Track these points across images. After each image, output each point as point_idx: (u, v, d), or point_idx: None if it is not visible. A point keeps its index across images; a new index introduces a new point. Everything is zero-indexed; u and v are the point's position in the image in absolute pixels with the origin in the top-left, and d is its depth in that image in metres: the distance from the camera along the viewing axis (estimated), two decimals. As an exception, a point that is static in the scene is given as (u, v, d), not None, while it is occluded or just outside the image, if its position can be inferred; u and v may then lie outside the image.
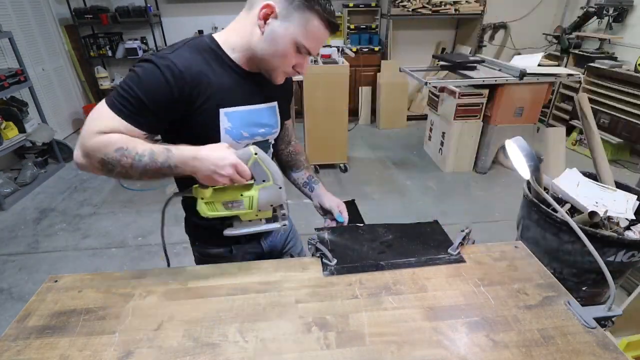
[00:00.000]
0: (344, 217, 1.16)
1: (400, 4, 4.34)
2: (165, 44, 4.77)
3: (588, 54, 4.14)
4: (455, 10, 4.38)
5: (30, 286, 2.24)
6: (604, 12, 3.94)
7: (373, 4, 4.66)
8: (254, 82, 0.89)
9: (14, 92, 3.25)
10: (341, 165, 3.63)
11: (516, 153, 0.86)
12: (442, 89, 3.46)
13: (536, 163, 0.83)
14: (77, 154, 0.76)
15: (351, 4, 4.63)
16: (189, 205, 1.00)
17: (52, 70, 4.23)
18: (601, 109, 3.76)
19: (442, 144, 3.60)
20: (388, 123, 4.69)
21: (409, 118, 4.84)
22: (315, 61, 3.26)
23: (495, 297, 0.82)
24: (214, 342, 0.72)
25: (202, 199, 0.82)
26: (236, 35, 0.84)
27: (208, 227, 0.96)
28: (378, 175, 3.56)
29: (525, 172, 0.87)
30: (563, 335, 0.72)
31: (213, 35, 0.86)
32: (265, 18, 0.78)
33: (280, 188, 0.85)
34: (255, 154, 0.80)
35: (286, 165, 1.21)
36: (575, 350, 0.69)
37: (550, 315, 0.77)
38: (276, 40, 0.79)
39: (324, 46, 3.64)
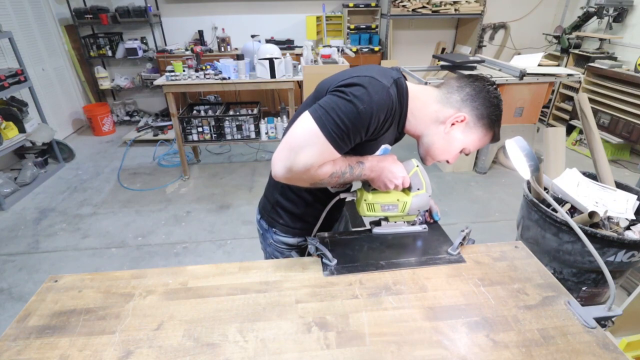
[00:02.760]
0: (439, 216, 1.17)
1: (400, 4, 4.34)
2: (165, 44, 4.77)
3: (588, 54, 4.14)
4: (455, 10, 4.38)
5: (30, 286, 2.24)
6: (604, 12, 3.94)
7: (373, 4, 4.66)
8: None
9: (14, 92, 3.25)
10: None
11: (516, 153, 0.86)
12: (442, 89, 3.46)
13: (536, 163, 0.83)
14: (282, 173, 0.79)
15: (351, 4, 4.63)
16: (291, 195, 1.05)
17: (52, 70, 4.23)
18: (601, 109, 3.76)
19: (442, 144, 3.59)
20: (388, 123, 4.69)
21: (409, 118, 4.83)
22: (315, 61, 3.26)
23: (495, 297, 0.82)
24: (214, 342, 0.72)
25: (365, 200, 0.95)
26: (421, 114, 0.90)
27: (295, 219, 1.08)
28: (378, 175, 3.56)
29: (525, 172, 0.87)
30: (563, 335, 0.72)
31: (408, 86, 0.88)
32: (454, 124, 0.88)
33: (429, 196, 0.97)
34: (417, 165, 0.95)
35: None
36: (575, 350, 0.69)
37: (550, 315, 0.77)
38: (453, 142, 0.90)
39: (324, 46, 3.64)
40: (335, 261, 0.93)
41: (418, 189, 0.96)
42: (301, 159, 0.76)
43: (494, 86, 0.88)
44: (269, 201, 1.11)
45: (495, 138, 0.92)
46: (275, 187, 1.08)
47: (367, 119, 0.76)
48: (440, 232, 1.06)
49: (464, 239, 0.97)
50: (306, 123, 0.76)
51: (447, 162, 0.95)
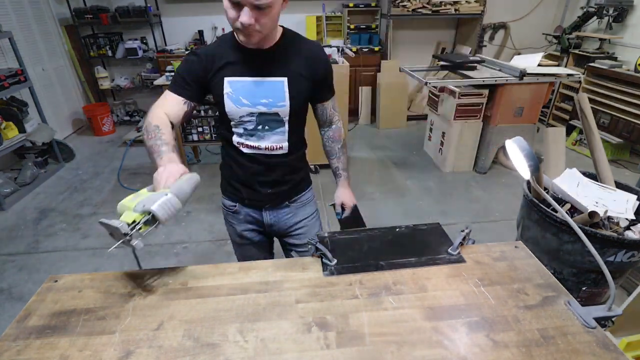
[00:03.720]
0: (343, 215, 1.30)
1: (400, 4, 4.34)
2: (165, 44, 4.77)
3: (588, 54, 4.14)
4: (455, 10, 4.38)
5: (30, 286, 2.24)
6: (604, 12, 3.94)
7: (373, 4, 4.66)
8: (264, 59, 1.03)
9: (14, 92, 3.25)
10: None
11: (516, 153, 0.86)
12: (442, 89, 3.46)
13: (536, 163, 0.83)
14: (146, 118, 1.07)
15: (351, 4, 4.63)
16: (222, 165, 1.25)
17: (52, 70, 4.23)
18: (601, 109, 3.76)
19: (442, 144, 3.60)
20: (388, 123, 4.69)
21: (409, 118, 4.84)
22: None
23: (495, 297, 0.82)
24: (214, 342, 0.72)
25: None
26: None
27: (224, 180, 1.25)
28: (378, 175, 3.56)
29: (525, 172, 0.87)
30: (563, 335, 0.72)
31: None
32: None
33: (167, 195, 0.81)
34: (167, 194, 0.83)
35: (324, 149, 1.32)
36: (575, 350, 0.69)
37: (550, 315, 0.77)
38: (224, 1, 0.91)
39: (324, 46, 3.63)
40: (335, 261, 0.93)
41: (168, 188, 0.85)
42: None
43: None
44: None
45: None
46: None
47: (186, 64, 1.06)
48: (441, 232, 1.06)
49: (464, 239, 0.97)
50: None
51: (241, 23, 0.90)
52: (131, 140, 4.28)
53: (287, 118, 1.10)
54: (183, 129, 3.29)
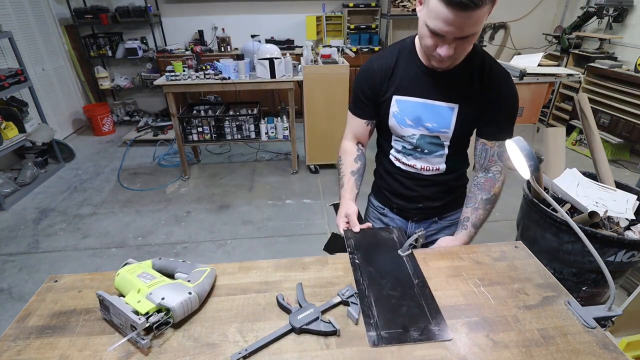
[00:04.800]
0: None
1: (400, 4, 4.34)
2: (165, 44, 4.77)
3: (588, 54, 4.14)
4: (455, 10, 4.37)
5: (30, 286, 2.24)
6: (604, 12, 3.94)
7: (373, 4, 4.66)
8: (439, 80, 0.97)
9: (14, 92, 3.25)
10: (341, 165, 3.62)
11: (516, 153, 0.86)
12: (442, 89, 3.46)
13: (536, 163, 0.83)
14: None
15: (351, 4, 4.63)
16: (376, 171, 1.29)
17: (52, 70, 4.23)
18: (601, 109, 3.76)
19: (442, 144, 3.59)
20: (388, 123, 4.69)
21: (409, 118, 4.83)
22: (315, 61, 3.26)
23: (495, 297, 0.82)
24: (214, 342, 0.72)
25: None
26: None
27: (376, 185, 1.33)
28: (378, 175, 3.56)
29: (525, 172, 0.87)
30: (563, 335, 0.72)
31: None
32: (420, 3, 0.86)
33: (190, 294, 0.75)
34: (209, 269, 0.85)
35: (468, 194, 1.13)
36: (575, 350, 0.69)
37: (550, 315, 0.77)
38: (420, 24, 0.86)
39: (324, 46, 3.64)
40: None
41: (189, 281, 0.79)
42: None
43: None
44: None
45: (446, 1, 0.75)
46: None
47: (358, 81, 1.08)
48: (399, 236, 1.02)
49: (416, 240, 0.95)
50: None
51: (439, 54, 0.86)
52: (131, 140, 4.29)
53: (447, 142, 1.04)
54: (183, 128, 3.29)
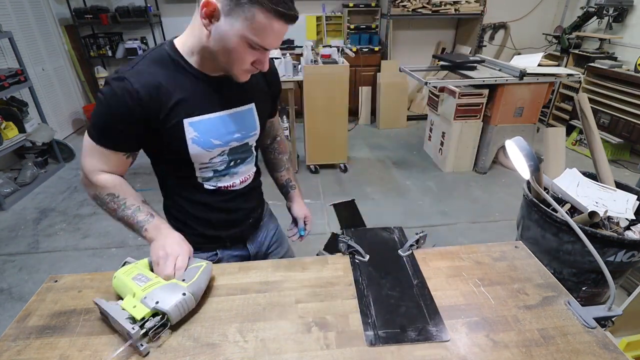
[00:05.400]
0: (306, 230, 1.18)
1: (400, 4, 4.34)
2: (165, 44, 4.77)
3: (588, 54, 4.14)
4: (455, 10, 4.38)
5: (30, 286, 2.24)
6: (604, 12, 3.94)
7: (373, 4, 4.66)
8: (222, 86, 0.86)
9: (14, 92, 3.25)
10: (341, 165, 3.63)
11: (516, 153, 0.86)
12: (442, 89, 3.46)
13: (536, 163, 0.83)
14: (81, 178, 0.90)
15: (351, 4, 4.63)
16: (170, 211, 1.03)
17: (52, 70, 4.23)
18: (601, 109, 3.76)
19: (442, 144, 3.60)
20: (388, 123, 4.69)
21: (409, 118, 4.84)
22: (315, 61, 3.26)
23: (495, 297, 0.82)
24: (214, 342, 0.72)
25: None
26: (192, 36, 0.80)
27: (187, 236, 0.90)
28: (378, 175, 3.56)
29: (525, 172, 0.87)
30: (563, 335, 0.72)
31: (174, 40, 0.84)
32: (208, 16, 0.72)
33: (184, 294, 0.73)
34: (205, 264, 0.82)
35: (268, 163, 1.22)
36: (575, 350, 0.69)
37: (550, 315, 0.77)
38: (224, 40, 0.73)
39: (324, 46, 3.64)
40: (368, 257, 0.93)
41: (184, 280, 0.77)
42: (84, 163, 0.87)
43: None
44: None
45: (277, 13, 0.70)
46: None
47: (112, 107, 0.78)
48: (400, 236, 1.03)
49: (417, 241, 0.96)
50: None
51: (258, 68, 0.80)
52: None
53: (254, 144, 0.99)
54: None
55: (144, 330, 0.68)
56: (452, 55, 4.24)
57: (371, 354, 0.69)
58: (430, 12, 4.35)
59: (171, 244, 0.83)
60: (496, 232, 2.67)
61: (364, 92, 4.72)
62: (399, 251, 0.95)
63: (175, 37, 0.84)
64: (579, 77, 3.32)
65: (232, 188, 0.97)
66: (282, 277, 0.89)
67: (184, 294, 0.73)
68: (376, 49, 4.71)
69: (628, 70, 3.62)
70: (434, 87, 3.32)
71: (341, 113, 3.34)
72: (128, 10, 4.33)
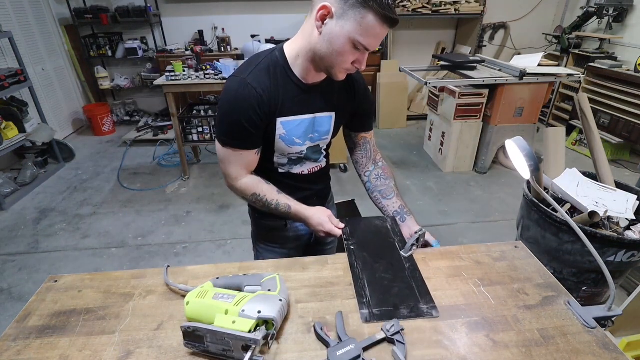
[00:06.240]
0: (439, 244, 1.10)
1: (400, 4, 4.34)
2: (165, 44, 4.77)
3: (588, 54, 4.14)
4: (455, 10, 4.38)
5: (30, 286, 2.24)
6: (604, 12, 3.94)
7: (373, 4, 4.66)
8: (314, 93, 0.98)
9: (14, 92, 3.25)
10: (341, 165, 3.63)
11: (516, 153, 0.86)
12: (442, 89, 3.46)
13: (536, 163, 0.83)
14: (227, 184, 1.04)
15: (351, 4, 4.62)
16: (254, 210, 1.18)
17: (52, 70, 4.23)
18: (601, 109, 3.76)
19: (442, 144, 3.60)
20: (388, 123, 4.69)
21: (409, 118, 4.84)
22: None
23: (495, 297, 0.82)
24: (214, 342, 0.72)
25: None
26: (301, 39, 0.91)
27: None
28: (378, 175, 3.56)
29: (525, 172, 0.87)
30: (563, 335, 0.72)
31: (284, 46, 0.95)
32: (322, 19, 0.82)
33: (281, 300, 0.74)
34: (277, 275, 0.82)
35: (374, 189, 1.19)
36: (575, 350, 0.69)
37: (550, 315, 0.77)
38: (333, 40, 0.82)
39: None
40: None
41: (269, 290, 0.76)
42: (225, 171, 1.01)
43: None
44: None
45: (384, 18, 0.77)
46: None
47: (243, 107, 0.90)
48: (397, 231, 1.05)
49: (417, 240, 0.95)
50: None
51: (357, 68, 0.89)
52: (131, 140, 4.29)
53: (324, 147, 1.12)
54: (183, 128, 3.29)
55: (263, 340, 0.66)
56: (452, 55, 4.24)
57: (371, 354, 0.69)
58: (430, 12, 4.35)
59: (317, 213, 1.02)
60: (496, 232, 2.67)
61: (364, 92, 4.72)
62: (402, 252, 0.95)
63: (288, 39, 0.96)
64: (579, 77, 3.32)
65: (301, 174, 1.12)
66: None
67: (281, 300, 0.73)
68: (376, 49, 4.71)
69: (628, 70, 3.62)
70: (434, 87, 3.32)
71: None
72: (128, 10, 4.33)
